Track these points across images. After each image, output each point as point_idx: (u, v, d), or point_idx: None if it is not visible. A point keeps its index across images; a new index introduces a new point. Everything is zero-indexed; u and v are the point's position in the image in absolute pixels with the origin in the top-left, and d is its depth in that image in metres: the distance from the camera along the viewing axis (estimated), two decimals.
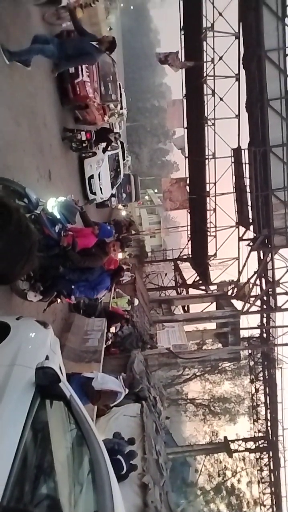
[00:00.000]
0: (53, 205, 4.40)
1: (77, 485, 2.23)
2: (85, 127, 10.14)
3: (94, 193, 10.98)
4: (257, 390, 19.98)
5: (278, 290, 16.18)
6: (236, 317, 16.21)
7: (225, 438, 20.06)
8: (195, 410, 27.38)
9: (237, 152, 16.31)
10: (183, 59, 16.84)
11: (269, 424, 19.04)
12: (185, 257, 22.45)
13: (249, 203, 15.60)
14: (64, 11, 6.73)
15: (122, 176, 14.79)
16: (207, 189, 17.47)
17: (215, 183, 17.48)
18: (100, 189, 11.12)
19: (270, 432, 18.97)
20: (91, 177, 10.69)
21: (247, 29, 14.56)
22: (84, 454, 2.29)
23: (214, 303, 18.48)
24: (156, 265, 25.11)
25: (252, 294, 16.74)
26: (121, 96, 15.20)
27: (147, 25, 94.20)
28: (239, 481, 23.14)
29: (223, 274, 19.35)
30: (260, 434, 20.01)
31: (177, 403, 27.51)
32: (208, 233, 17.95)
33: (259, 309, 16.97)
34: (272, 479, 19.41)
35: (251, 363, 20.05)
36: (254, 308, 16.75)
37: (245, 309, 16.43)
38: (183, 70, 17.47)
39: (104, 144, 10.46)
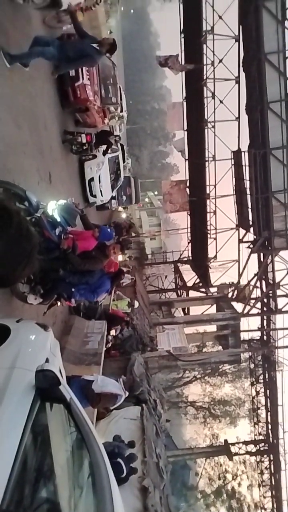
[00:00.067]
0: (53, 208, 4.40)
1: (77, 488, 2.22)
2: (86, 130, 10.17)
3: (94, 196, 10.99)
4: (257, 393, 19.92)
5: (278, 292, 16.18)
6: (237, 319, 16.20)
7: (226, 441, 19.98)
8: (196, 413, 27.31)
9: (237, 154, 16.35)
10: (183, 62, 16.90)
11: (269, 427, 18.97)
12: (185, 259, 22.46)
13: (249, 205, 15.62)
14: (65, 14, 6.75)
15: (122, 178, 14.80)
16: (207, 191, 17.48)
17: (215, 185, 17.51)
18: (100, 191, 11.13)
19: (270, 435, 18.90)
20: (91, 179, 10.70)
21: (247, 32, 14.63)
22: (84, 457, 2.29)
23: (214, 305, 18.47)
24: (156, 267, 25.14)
25: (252, 296, 16.75)
26: (121, 99, 15.25)
27: (147, 28, 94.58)
28: (239, 484, 23.03)
29: (224, 276, 19.37)
30: (261, 437, 19.93)
31: (178, 406, 27.44)
32: (208, 235, 17.96)
33: (260, 311, 16.96)
34: (273, 482, 19.32)
35: (252, 365, 19.99)
36: (254, 311, 16.75)
37: (245, 311, 16.42)
38: (183, 73, 17.54)
39: (104, 147, 10.47)
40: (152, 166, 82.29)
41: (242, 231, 17.20)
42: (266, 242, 15.46)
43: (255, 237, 15.62)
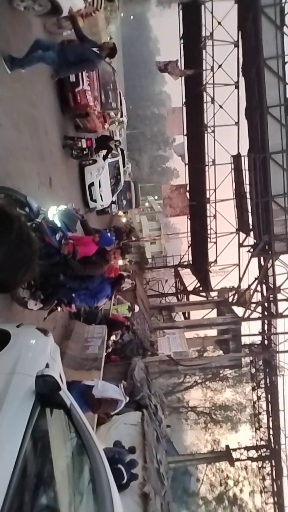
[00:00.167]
0: (54, 213, 4.42)
1: (77, 494, 2.21)
2: (86, 135, 10.20)
3: (95, 201, 11.01)
4: (258, 398, 19.82)
5: (279, 296, 16.15)
6: (237, 324, 16.15)
7: (227, 446, 19.84)
8: (197, 418, 27.13)
9: (237, 158, 16.40)
10: (182, 68, 17.04)
11: (271, 432, 18.85)
12: (185, 263, 22.46)
13: (249, 210, 15.65)
14: (65, 20, 6.79)
15: (123, 183, 14.85)
16: (207, 196, 17.54)
17: (215, 190, 17.56)
18: (101, 196, 11.15)
19: (272, 441, 18.77)
20: (92, 184, 10.72)
21: (246, 37, 14.74)
22: (85, 463, 2.27)
23: (215, 310, 18.43)
24: (156, 272, 25.11)
25: (253, 300, 16.71)
26: (121, 104, 15.32)
27: (147, 34, 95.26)
28: (241, 490, 22.82)
29: (224, 280, 19.36)
30: (262, 443, 19.79)
31: (178, 411, 27.28)
32: (209, 240, 17.98)
33: (260, 315, 16.91)
34: (275, 489, 19.16)
35: (253, 370, 19.90)
36: (255, 315, 16.71)
37: (246, 315, 16.38)
38: (183, 78, 17.66)
39: (104, 152, 10.52)
40: (152, 170, 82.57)
41: (242, 235, 17.22)
42: (267, 246, 15.46)
43: (255, 241, 15.63)
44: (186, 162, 19.72)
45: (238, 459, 19.64)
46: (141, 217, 44.29)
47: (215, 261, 18.29)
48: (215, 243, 17.87)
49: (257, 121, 14.42)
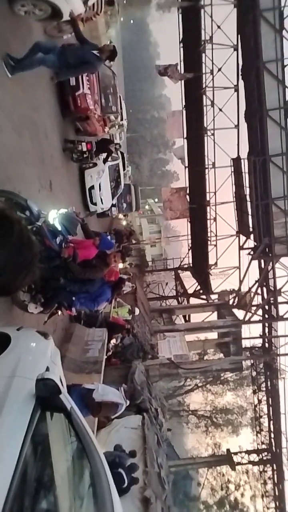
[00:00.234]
0: (54, 217, 4.42)
1: (77, 499, 2.20)
2: (86, 138, 10.23)
3: (95, 204, 11.02)
4: (259, 401, 19.75)
5: (279, 299, 16.13)
6: (238, 327, 16.12)
7: (228, 450, 19.73)
8: (197, 422, 27.02)
9: (236, 161, 16.44)
10: (182, 71, 17.12)
11: (272, 435, 18.76)
12: (185, 266, 22.46)
13: (250, 212, 15.66)
14: (66, 24, 6.82)
15: (123, 186, 14.88)
16: (207, 199, 17.56)
17: (215, 193, 17.59)
18: (101, 199, 11.16)
19: (273, 444, 18.68)
20: (92, 187, 10.74)
21: (246, 41, 14.81)
22: (85, 467, 2.26)
23: (215, 313, 18.41)
24: (156, 275, 25.13)
25: (253, 303, 16.69)
26: (121, 108, 15.34)
27: (146, 39, 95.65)
28: (242, 495, 22.68)
29: (224, 283, 19.34)
30: (264, 446, 19.69)
31: (179, 414, 27.18)
32: (209, 242, 17.98)
33: (261, 318, 16.89)
34: (276, 493, 19.05)
35: (254, 373, 19.85)
36: (255, 318, 16.68)
37: (246, 318, 16.35)
38: (183, 81, 17.74)
39: (104, 155, 10.54)
40: (152, 173, 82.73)
41: (243, 238, 17.23)
42: (267, 249, 15.46)
43: (255, 243, 15.63)
44: (186, 165, 19.77)
45: (239, 463, 19.53)
46: (141, 220, 44.34)
47: (216, 263, 18.29)
48: (215, 245, 17.88)
49: (257, 124, 14.46)
